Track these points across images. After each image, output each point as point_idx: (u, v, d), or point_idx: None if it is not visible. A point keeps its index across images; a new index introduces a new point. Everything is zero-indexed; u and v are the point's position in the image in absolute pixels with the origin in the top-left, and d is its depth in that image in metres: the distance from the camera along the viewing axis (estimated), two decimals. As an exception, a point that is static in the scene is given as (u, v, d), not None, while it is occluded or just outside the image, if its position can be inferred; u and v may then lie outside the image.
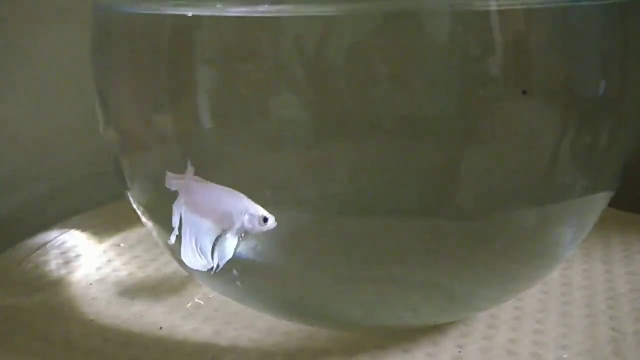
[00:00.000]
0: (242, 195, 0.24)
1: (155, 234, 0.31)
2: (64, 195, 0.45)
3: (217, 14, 0.26)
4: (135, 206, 0.31)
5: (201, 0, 0.26)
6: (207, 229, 0.25)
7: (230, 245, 0.25)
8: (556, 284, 0.34)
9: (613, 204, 0.43)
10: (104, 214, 0.43)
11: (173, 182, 0.25)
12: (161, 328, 0.31)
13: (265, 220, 0.24)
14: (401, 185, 0.26)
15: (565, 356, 0.28)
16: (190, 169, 0.25)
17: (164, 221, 0.29)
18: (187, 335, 0.30)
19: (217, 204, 0.24)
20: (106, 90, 0.29)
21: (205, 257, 0.24)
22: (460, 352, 0.29)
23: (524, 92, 0.26)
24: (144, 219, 0.31)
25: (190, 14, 0.25)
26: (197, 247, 0.24)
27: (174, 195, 0.29)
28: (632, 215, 0.42)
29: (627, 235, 0.39)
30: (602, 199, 0.30)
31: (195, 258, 0.24)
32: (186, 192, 0.25)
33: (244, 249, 0.26)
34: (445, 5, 0.24)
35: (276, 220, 0.25)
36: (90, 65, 0.30)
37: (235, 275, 0.27)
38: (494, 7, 0.24)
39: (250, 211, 0.24)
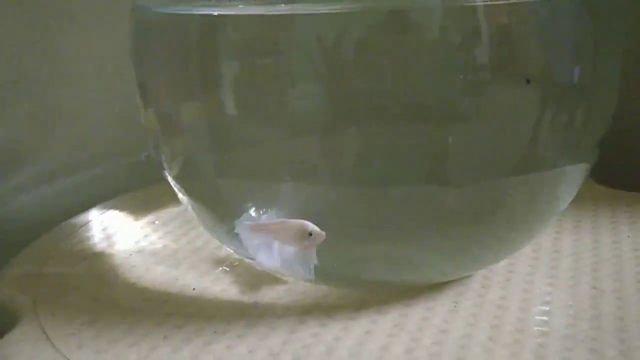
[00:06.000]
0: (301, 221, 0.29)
1: (189, 207, 0.35)
2: (103, 181, 0.49)
3: (239, 12, 0.30)
4: (172, 183, 0.35)
5: (225, 1, 0.30)
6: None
7: (310, 257, 0.30)
8: (546, 252, 0.38)
9: (604, 182, 0.46)
10: (138, 197, 0.47)
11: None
12: (194, 289, 0.35)
13: (310, 234, 0.29)
14: (404, 161, 0.30)
15: (547, 309, 0.32)
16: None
17: (197, 195, 0.34)
18: (217, 295, 0.34)
19: (288, 231, 0.30)
20: (145, 82, 0.33)
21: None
22: (455, 306, 0.33)
23: (528, 81, 0.30)
24: (179, 195, 0.35)
25: (215, 13, 0.29)
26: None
27: (206, 173, 0.33)
28: (621, 192, 0.45)
29: (616, 210, 0.43)
30: (580, 170, 0.33)
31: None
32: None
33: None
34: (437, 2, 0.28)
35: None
36: (129, 60, 0.34)
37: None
38: (479, 2, 0.28)
39: (302, 231, 0.29)
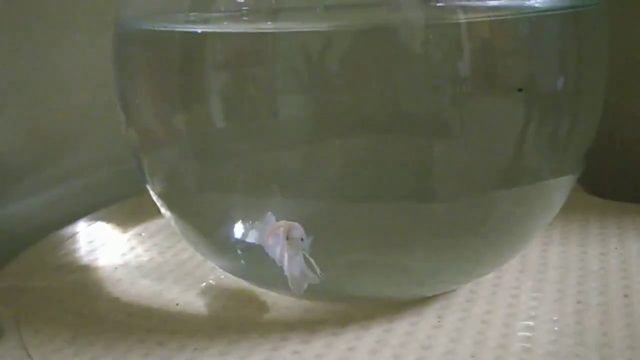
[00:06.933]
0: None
1: (172, 222, 0.35)
2: (91, 191, 0.49)
3: (224, 30, 0.30)
4: (154, 198, 0.35)
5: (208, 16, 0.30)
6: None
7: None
8: (533, 264, 0.38)
9: (594, 192, 0.46)
10: (126, 207, 0.47)
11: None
12: (177, 304, 0.35)
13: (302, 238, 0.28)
14: (390, 175, 0.30)
15: (532, 324, 0.32)
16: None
17: (180, 210, 0.34)
18: (200, 310, 0.34)
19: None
20: (126, 95, 0.33)
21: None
22: (439, 321, 0.32)
23: (520, 90, 0.30)
24: (162, 209, 0.35)
25: (199, 31, 0.29)
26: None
27: (187, 187, 0.33)
28: (612, 203, 0.45)
29: (605, 221, 0.43)
30: (567, 182, 0.33)
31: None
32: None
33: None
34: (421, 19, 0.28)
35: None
36: (112, 73, 0.34)
37: (239, 254, 0.31)
38: (462, 19, 0.28)
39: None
